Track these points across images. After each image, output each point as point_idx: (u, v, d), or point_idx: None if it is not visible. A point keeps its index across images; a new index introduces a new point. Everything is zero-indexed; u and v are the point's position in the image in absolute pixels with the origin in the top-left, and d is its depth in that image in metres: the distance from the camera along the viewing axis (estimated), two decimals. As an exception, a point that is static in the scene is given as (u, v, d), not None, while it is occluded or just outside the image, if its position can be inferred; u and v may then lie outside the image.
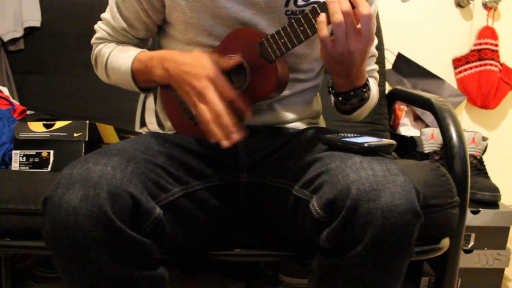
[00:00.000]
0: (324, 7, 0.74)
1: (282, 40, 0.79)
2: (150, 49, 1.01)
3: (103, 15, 0.97)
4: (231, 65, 0.82)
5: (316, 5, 0.75)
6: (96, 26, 0.99)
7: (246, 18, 0.85)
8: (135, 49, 0.94)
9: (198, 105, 0.78)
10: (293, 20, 0.77)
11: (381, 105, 1.64)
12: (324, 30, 0.74)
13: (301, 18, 0.76)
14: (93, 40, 1.00)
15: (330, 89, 0.89)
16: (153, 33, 0.98)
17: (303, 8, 0.85)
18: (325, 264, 0.72)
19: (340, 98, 0.87)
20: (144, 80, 0.91)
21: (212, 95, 0.77)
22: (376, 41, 0.96)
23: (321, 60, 0.80)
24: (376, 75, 1.03)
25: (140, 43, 0.99)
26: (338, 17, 0.72)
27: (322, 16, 0.74)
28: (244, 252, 0.92)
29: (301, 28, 0.77)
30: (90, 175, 0.66)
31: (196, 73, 0.78)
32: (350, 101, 0.87)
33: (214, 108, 0.76)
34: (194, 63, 0.80)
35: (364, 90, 0.86)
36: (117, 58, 0.93)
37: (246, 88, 0.84)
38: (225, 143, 0.76)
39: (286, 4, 0.85)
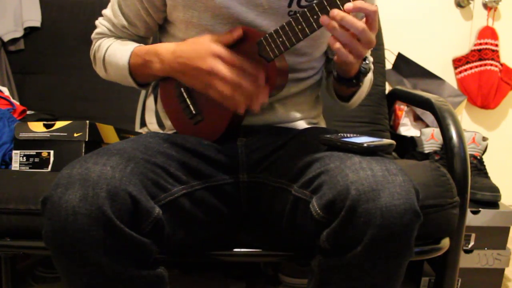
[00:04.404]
0: (321, 4, 0.74)
1: (281, 39, 0.79)
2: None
3: (104, 11, 0.98)
4: (234, 39, 0.82)
5: (314, 4, 0.75)
6: (97, 22, 1.00)
7: (248, 19, 0.85)
8: (132, 43, 0.94)
9: (212, 84, 0.79)
10: (291, 19, 0.77)
11: (381, 105, 1.64)
12: (336, 44, 0.74)
13: (299, 17, 0.76)
14: (93, 35, 1.00)
15: (338, 78, 0.90)
16: (153, 32, 0.98)
17: (305, 8, 0.85)
18: (325, 264, 0.72)
19: (354, 81, 0.88)
20: (142, 75, 0.91)
21: (222, 68, 0.78)
22: None
23: (336, 64, 0.81)
24: (371, 65, 1.04)
25: (140, 40, 0.99)
26: (345, 40, 0.73)
27: (333, 41, 0.74)
28: (244, 252, 0.92)
29: (299, 27, 0.77)
30: (89, 175, 0.66)
31: (199, 54, 0.79)
32: (361, 77, 0.88)
33: (230, 80, 0.77)
34: (193, 48, 0.81)
35: (367, 62, 0.88)
36: (114, 52, 0.93)
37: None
38: (257, 107, 0.79)
39: (289, 5, 0.85)
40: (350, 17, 0.72)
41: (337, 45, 0.74)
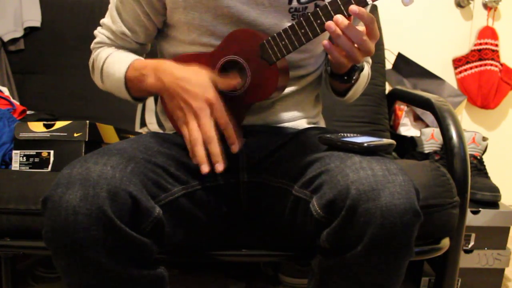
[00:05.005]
0: (325, 9, 0.75)
1: (283, 42, 0.79)
2: (148, 54, 1.00)
3: (102, 21, 0.96)
4: (230, 87, 0.81)
5: (318, 9, 0.76)
6: (95, 32, 0.98)
7: (250, 18, 0.85)
8: (132, 56, 0.92)
9: (189, 124, 0.76)
10: (294, 23, 0.78)
11: (381, 105, 1.64)
12: (334, 52, 0.77)
13: (303, 21, 0.77)
14: (92, 45, 0.98)
15: (331, 73, 0.91)
16: (152, 38, 0.97)
17: (306, 5, 0.85)
18: (325, 264, 0.72)
19: (346, 78, 0.89)
20: (137, 89, 0.88)
21: (207, 119, 0.76)
22: None
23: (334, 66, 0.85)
24: (369, 59, 1.05)
25: (140, 47, 0.97)
26: (346, 48, 0.75)
27: (326, 43, 0.76)
28: (244, 252, 0.92)
29: (302, 31, 0.77)
30: (90, 175, 0.66)
31: (195, 92, 0.76)
32: (352, 75, 0.89)
33: (206, 133, 0.75)
34: (193, 81, 0.77)
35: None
36: (113, 63, 0.91)
37: (246, 90, 0.84)
38: (206, 169, 0.75)
39: (290, 2, 0.85)
40: (354, 27, 0.73)
41: (335, 52, 0.76)
